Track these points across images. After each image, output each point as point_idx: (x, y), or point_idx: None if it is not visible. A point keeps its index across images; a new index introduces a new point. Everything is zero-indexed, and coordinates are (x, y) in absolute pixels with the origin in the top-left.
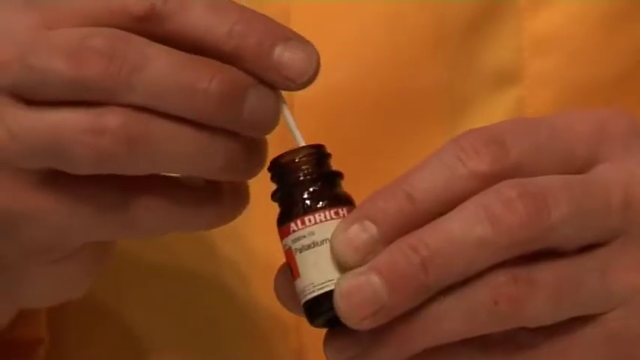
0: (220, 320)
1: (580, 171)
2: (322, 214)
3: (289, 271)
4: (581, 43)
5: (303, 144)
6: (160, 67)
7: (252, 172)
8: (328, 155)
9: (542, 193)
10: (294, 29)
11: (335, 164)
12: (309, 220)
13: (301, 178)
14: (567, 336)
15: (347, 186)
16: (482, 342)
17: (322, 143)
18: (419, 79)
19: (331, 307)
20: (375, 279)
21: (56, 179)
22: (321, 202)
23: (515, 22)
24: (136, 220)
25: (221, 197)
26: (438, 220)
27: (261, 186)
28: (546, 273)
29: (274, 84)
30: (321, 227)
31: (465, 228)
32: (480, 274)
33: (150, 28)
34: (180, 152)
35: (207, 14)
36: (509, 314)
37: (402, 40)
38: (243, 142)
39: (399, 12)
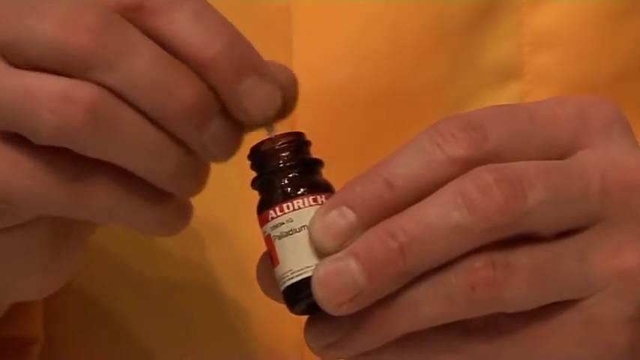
0: (217, 314)
1: (560, 157)
2: (301, 201)
3: (269, 258)
4: (582, 39)
5: None
6: (144, 59)
7: (192, 191)
8: (308, 142)
9: (519, 178)
10: (296, 28)
11: (336, 160)
12: (288, 207)
13: (280, 165)
14: (547, 322)
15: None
16: (462, 327)
17: (302, 131)
18: (420, 76)
19: (310, 294)
20: (352, 264)
21: (17, 142)
22: (299, 189)
23: (516, 18)
24: (86, 198)
25: (169, 204)
26: (415, 205)
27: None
28: (524, 258)
29: (231, 111)
30: (299, 214)
31: (443, 214)
32: (457, 260)
33: (136, 20)
34: (135, 146)
35: (193, 22)
36: (487, 299)
37: (404, 37)
38: (192, 160)
39: (400, 8)
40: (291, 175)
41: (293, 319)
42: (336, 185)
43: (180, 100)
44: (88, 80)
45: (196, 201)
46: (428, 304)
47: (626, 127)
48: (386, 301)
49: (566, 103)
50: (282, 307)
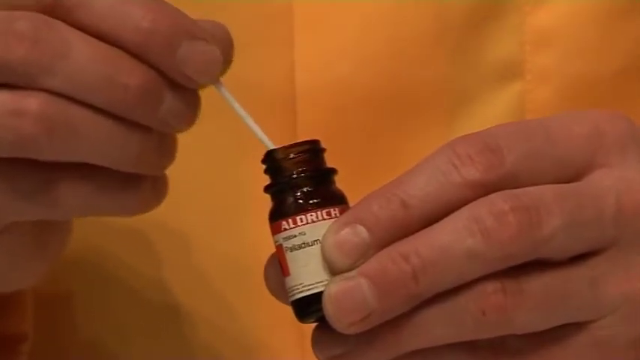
0: (216, 315)
1: (575, 177)
2: (314, 214)
3: (279, 266)
4: (582, 38)
5: (261, 136)
6: (82, 57)
7: (163, 166)
8: (323, 150)
9: (534, 206)
10: (297, 24)
11: (337, 158)
12: (301, 220)
13: (294, 175)
14: (555, 342)
15: (349, 179)
16: (470, 344)
17: (317, 138)
18: (421, 73)
19: (320, 308)
20: (364, 285)
21: None
22: (313, 201)
23: (518, 17)
24: (58, 201)
25: (142, 184)
26: (430, 228)
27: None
28: (536, 283)
29: (177, 81)
30: (312, 227)
31: (457, 240)
32: (469, 283)
33: (61, 16)
34: (95, 141)
35: (114, 7)
36: (497, 323)
37: (404, 34)
38: (156, 137)
39: (400, 6)
40: (305, 187)
41: (293, 321)
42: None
43: (127, 87)
44: (33, 89)
45: (190, 202)
46: (437, 326)
47: None
48: (396, 319)
49: (582, 120)
50: (281, 310)
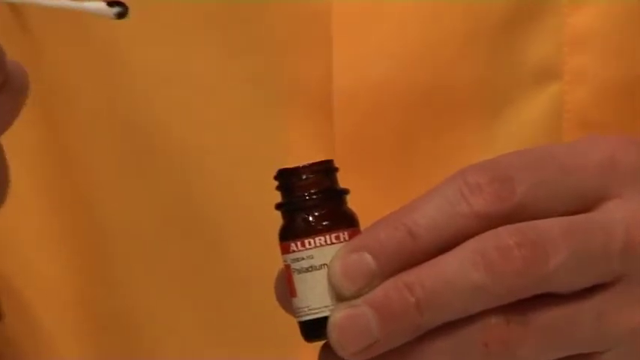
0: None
1: (587, 207)
2: (323, 238)
3: (287, 285)
4: (620, 39)
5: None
6: None
7: None
8: (335, 170)
9: (541, 241)
10: (335, 27)
11: (373, 159)
12: (309, 243)
13: (306, 196)
14: None
15: (385, 181)
16: None
17: (331, 159)
18: (457, 75)
19: (326, 332)
20: (369, 314)
21: None
22: (322, 223)
23: (556, 18)
24: None
25: None
26: (435, 260)
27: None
28: (541, 316)
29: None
30: (320, 251)
31: (461, 273)
32: (474, 314)
33: None
34: None
35: None
36: (500, 356)
37: (440, 35)
38: None
39: (437, 6)
40: (315, 208)
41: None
42: (372, 185)
43: None
44: None
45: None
46: (441, 356)
47: None
48: (401, 347)
49: (596, 148)
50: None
